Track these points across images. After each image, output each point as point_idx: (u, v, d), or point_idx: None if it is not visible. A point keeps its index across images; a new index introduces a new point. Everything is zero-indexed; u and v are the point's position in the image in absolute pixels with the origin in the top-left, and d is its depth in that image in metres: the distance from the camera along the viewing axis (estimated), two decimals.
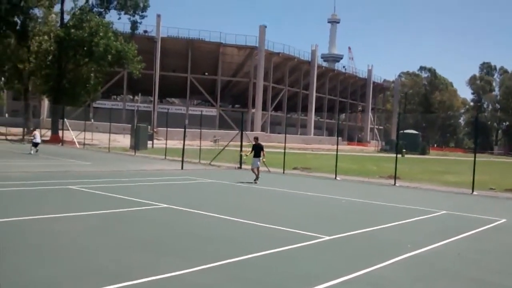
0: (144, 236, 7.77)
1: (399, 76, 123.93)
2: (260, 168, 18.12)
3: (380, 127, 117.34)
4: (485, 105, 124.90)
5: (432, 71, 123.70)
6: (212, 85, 79.51)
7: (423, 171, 27.90)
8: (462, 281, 6.28)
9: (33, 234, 7.47)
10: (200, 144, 27.78)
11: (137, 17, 43.49)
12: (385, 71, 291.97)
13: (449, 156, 64.63)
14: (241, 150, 23.21)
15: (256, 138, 19.17)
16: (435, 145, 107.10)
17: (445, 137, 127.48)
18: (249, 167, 17.79)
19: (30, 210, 9.42)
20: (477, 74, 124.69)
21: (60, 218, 8.77)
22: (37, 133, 28.72)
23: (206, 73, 78.91)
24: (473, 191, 17.77)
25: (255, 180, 17.21)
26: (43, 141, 38.92)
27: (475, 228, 10.15)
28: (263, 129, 79.41)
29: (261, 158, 17.85)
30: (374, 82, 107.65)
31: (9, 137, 39.52)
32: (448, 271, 6.67)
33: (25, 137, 38.59)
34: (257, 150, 17.91)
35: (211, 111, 78.05)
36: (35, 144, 26.31)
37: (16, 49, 43.47)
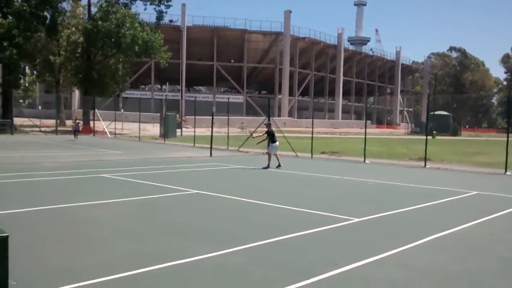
0: (175, 221, 7.97)
1: (429, 57, 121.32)
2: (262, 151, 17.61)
3: (410, 109, 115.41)
4: None
5: (462, 51, 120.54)
6: (238, 72, 79.57)
7: (454, 152, 27.42)
8: (493, 260, 6.23)
9: (73, 220, 7.75)
10: (228, 131, 27.97)
11: (162, 7, 43.93)
12: (414, 52, 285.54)
13: (481, 137, 63.18)
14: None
15: (268, 124, 18.51)
16: (467, 126, 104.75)
17: (477, 118, 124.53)
18: (275, 151, 17.45)
19: (68, 197, 9.75)
20: (510, 53, 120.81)
21: (96, 205, 9.06)
22: (79, 122, 33.32)
23: (232, 61, 78.98)
24: (506, 171, 17.41)
25: (267, 166, 16.80)
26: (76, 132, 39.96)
27: (507, 208, 9.99)
28: (290, 114, 79.22)
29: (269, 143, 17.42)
30: (402, 64, 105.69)
31: (42, 129, 40.61)
32: (478, 251, 6.64)
33: (58, 128, 39.58)
34: (273, 135, 17.43)
35: (238, 98, 78.23)
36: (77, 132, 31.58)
37: (47, 43, 44.49)
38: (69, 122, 44.52)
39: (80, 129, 32.89)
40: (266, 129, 17.94)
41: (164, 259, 5.61)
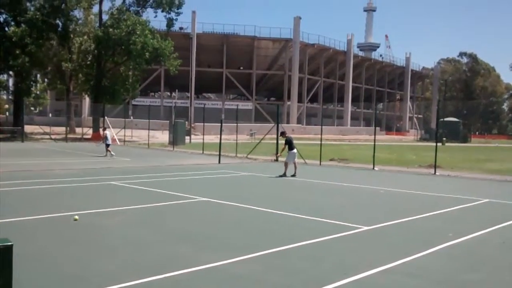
0: (185, 229, 7.98)
1: (438, 63, 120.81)
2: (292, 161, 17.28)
3: (419, 116, 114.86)
4: None
5: (473, 57, 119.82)
6: (247, 79, 79.73)
7: (464, 160, 27.23)
8: (506, 269, 6.17)
9: (82, 228, 7.77)
10: (237, 138, 28.00)
11: (172, 14, 44.07)
12: (424, 58, 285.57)
13: (491, 144, 62.67)
14: (277, 144, 23.17)
15: (283, 133, 18.44)
16: (477, 133, 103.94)
17: (487, 124, 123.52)
18: (293, 160, 17.19)
19: (77, 205, 9.78)
20: None
21: (107, 213, 9.10)
22: (108, 133, 25.04)
23: (241, 67, 79.19)
24: None
25: (284, 174, 16.64)
26: (85, 139, 40.18)
27: None
28: (299, 121, 79.15)
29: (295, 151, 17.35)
30: (412, 70, 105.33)
31: (52, 136, 40.90)
32: (491, 260, 6.57)
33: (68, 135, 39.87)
34: (291, 143, 17.33)
35: (247, 105, 78.34)
36: (108, 146, 23.95)
37: (58, 50, 44.91)
38: (79, 130, 44.76)
39: (109, 141, 24.13)
40: (284, 140, 17.65)
41: (176, 266, 5.62)
